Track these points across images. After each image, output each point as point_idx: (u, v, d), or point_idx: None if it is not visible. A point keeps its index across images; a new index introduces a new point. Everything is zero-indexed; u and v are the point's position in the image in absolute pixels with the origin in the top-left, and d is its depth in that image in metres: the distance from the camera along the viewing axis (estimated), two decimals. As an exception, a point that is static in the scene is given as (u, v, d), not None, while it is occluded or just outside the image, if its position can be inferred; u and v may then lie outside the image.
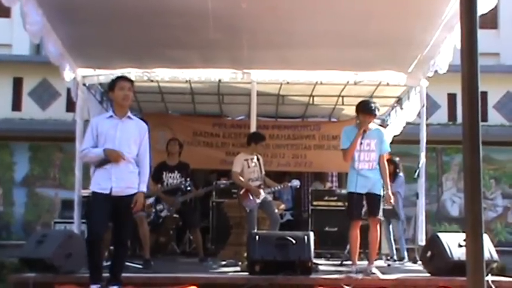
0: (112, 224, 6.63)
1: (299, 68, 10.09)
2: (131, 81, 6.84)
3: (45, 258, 6.96)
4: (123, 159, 6.41)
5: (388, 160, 8.31)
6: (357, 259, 7.87)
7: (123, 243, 6.62)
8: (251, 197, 9.38)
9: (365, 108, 7.81)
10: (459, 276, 6.53)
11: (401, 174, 10.97)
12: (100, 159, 6.44)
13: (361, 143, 7.71)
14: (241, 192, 9.45)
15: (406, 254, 10.64)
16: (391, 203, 7.98)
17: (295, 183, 10.04)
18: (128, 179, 6.47)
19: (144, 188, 6.57)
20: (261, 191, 9.46)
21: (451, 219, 16.01)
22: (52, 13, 7.83)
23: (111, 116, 6.67)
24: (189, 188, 9.77)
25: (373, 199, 7.76)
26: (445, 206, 16.15)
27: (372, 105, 7.87)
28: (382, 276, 7.48)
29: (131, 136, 6.56)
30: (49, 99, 16.20)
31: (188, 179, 9.78)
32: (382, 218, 8.15)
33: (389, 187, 7.88)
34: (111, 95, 6.83)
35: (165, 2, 7.54)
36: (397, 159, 10.95)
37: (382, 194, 7.84)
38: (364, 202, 7.83)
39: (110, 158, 6.39)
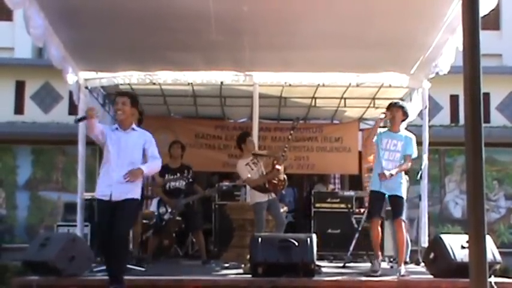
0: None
1: (301, 70, 10.10)
2: (127, 95, 7.15)
3: (49, 261, 6.96)
4: (93, 113, 6.69)
5: None
6: (379, 254, 8.17)
7: (117, 236, 6.63)
8: (277, 182, 9.36)
9: (395, 104, 8.25)
10: (462, 278, 6.54)
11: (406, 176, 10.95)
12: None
13: (387, 142, 8.05)
14: (269, 186, 9.39)
15: (408, 256, 10.62)
16: (384, 176, 7.90)
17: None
18: (127, 186, 6.68)
19: (145, 168, 6.75)
20: (277, 166, 9.39)
21: (454, 220, 15.98)
22: (54, 16, 7.84)
23: (116, 129, 6.96)
24: (191, 180, 9.79)
25: (397, 201, 8.01)
26: (447, 207, 16.12)
27: (402, 103, 8.56)
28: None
29: (135, 145, 6.85)
30: (51, 103, 16.20)
31: (190, 179, 9.83)
32: (406, 221, 8.26)
33: (394, 171, 7.91)
34: None
35: (167, 4, 7.54)
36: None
37: (405, 197, 8.10)
38: (386, 203, 8.22)
39: (87, 114, 6.73)
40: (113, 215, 6.62)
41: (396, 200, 8.01)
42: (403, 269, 7.79)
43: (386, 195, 8.02)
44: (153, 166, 6.96)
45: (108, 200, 6.66)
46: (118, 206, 6.65)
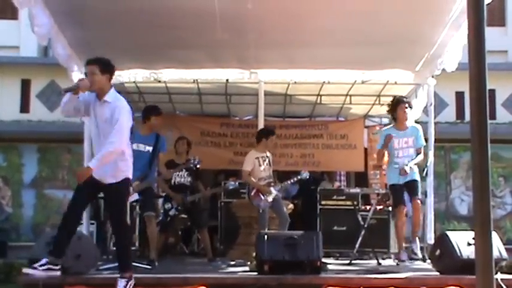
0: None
1: (306, 67, 10.09)
2: (96, 62, 6.38)
3: (54, 260, 6.96)
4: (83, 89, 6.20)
5: None
6: (403, 244, 8.83)
7: (115, 228, 6.66)
8: (262, 197, 9.37)
9: (396, 101, 8.89)
10: (468, 274, 6.51)
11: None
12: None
13: (399, 142, 8.77)
14: (253, 193, 9.44)
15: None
16: (405, 172, 8.62)
17: (304, 174, 10.06)
18: (110, 168, 6.31)
19: (93, 164, 6.14)
20: (272, 188, 9.46)
21: (460, 217, 15.99)
22: (59, 15, 7.85)
23: (96, 97, 6.44)
24: (197, 165, 9.63)
25: (413, 184, 8.81)
26: (453, 204, 16.14)
27: (401, 96, 9.21)
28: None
29: (106, 120, 6.30)
30: (57, 101, 16.20)
31: (196, 165, 9.75)
32: (422, 199, 9.08)
33: (413, 163, 8.74)
34: None
35: (172, 3, 7.55)
36: None
37: (419, 179, 8.98)
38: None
39: (79, 84, 6.25)
40: (93, 191, 6.50)
41: (412, 183, 8.77)
42: (415, 246, 8.69)
43: (403, 183, 8.74)
44: (106, 155, 6.12)
45: (92, 176, 6.21)
46: (106, 192, 6.46)
